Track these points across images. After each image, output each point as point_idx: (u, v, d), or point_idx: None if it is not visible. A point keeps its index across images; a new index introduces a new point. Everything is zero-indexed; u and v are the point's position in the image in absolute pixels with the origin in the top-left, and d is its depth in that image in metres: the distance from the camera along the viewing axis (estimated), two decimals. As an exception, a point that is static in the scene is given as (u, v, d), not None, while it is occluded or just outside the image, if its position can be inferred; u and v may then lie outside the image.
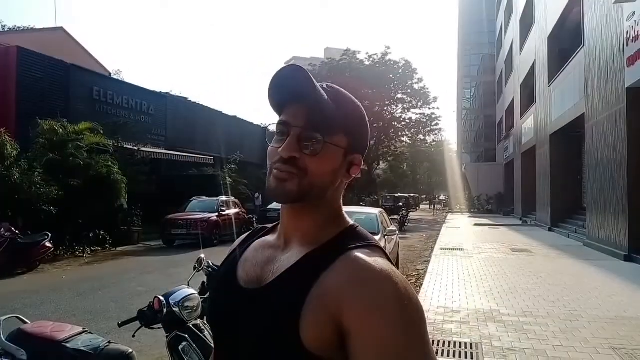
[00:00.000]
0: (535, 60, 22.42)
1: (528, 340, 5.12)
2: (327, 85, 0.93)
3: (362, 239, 0.91)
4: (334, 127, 0.90)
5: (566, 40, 17.67)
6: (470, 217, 32.12)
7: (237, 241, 1.10)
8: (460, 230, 21.13)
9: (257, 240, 1.04)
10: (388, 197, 40.75)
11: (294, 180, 0.87)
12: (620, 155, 11.27)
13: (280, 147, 0.88)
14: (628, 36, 10.58)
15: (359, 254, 0.85)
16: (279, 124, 0.91)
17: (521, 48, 26.70)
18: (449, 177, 53.73)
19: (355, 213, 8.97)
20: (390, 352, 0.75)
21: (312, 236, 0.92)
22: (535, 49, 22.20)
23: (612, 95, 11.79)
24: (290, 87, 0.88)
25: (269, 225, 1.08)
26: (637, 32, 10.13)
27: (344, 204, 1.02)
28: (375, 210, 9.89)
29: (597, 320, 5.87)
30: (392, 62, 35.16)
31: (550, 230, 18.95)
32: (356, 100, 0.97)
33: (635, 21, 10.21)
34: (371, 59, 35.42)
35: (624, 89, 10.92)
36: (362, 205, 21.71)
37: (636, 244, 10.65)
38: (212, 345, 3.16)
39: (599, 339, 5.11)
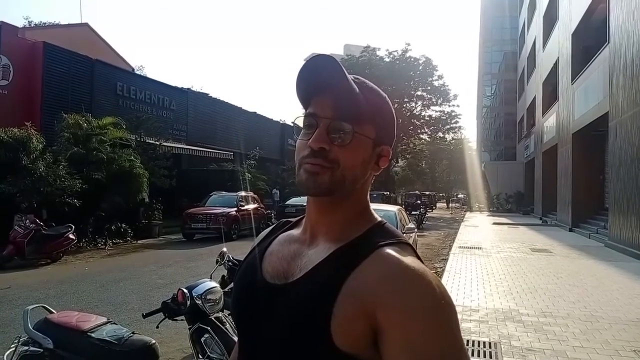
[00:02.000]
0: (558, 57, 22.03)
1: (547, 340, 5.08)
2: (353, 77, 0.91)
3: (392, 236, 0.89)
4: (362, 118, 0.88)
5: (591, 37, 17.32)
6: (489, 215, 31.80)
7: (261, 234, 1.08)
8: (479, 228, 20.93)
9: (282, 234, 1.02)
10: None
11: (325, 173, 0.86)
12: (644, 155, 11.07)
13: (309, 140, 0.87)
14: (655, 34, 10.39)
15: (391, 251, 0.83)
16: (307, 116, 0.90)
17: (544, 45, 26.26)
18: (468, 175, 53.29)
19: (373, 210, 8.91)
20: (426, 350, 0.74)
21: (339, 231, 0.91)
22: (559, 46, 21.82)
23: (637, 94, 11.56)
24: (320, 77, 0.87)
25: (293, 219, 1.06)
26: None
27: None
28: (394, 208, 9.86)
29: (619, 322, 5.80)
30: (412, 59, 34.95)
31: (570, 230, 18.68)
32: (382, 92, 0.96)
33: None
34: (391, 56, 35.26)
35: (649, 88, 10.73)
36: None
37: (660, 245, 10.47)
38: (234, 338, 3.23)
39: (620, 341, 5.04)
